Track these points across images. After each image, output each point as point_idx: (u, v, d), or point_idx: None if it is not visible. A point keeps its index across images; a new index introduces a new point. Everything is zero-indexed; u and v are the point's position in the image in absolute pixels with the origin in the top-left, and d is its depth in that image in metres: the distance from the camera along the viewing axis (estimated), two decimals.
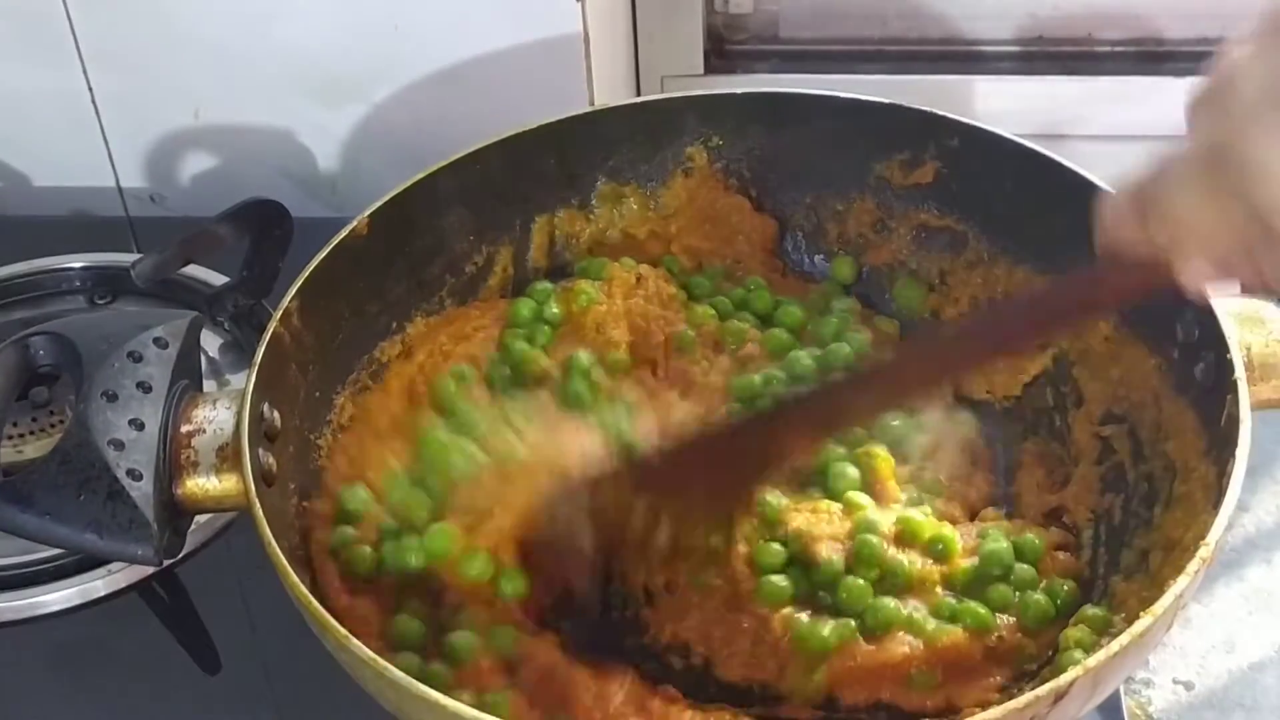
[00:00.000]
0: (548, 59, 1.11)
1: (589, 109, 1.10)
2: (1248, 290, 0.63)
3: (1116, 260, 0.65)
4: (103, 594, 0.93)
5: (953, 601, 0.79)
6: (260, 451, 0.76)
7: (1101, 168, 0.86)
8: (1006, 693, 0.75)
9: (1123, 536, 0.81)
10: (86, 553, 0.85)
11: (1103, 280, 0.68)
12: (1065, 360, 0.90)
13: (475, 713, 0.64)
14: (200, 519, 0.90)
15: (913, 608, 0.78)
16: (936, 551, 0.81)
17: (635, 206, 1.00)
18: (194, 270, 1.11)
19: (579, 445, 0.84)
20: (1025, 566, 0.80)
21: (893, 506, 0.84)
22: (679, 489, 0.79)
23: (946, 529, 0.82)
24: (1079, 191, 0.86)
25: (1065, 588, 0.80)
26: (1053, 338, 0.87)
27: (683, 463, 0.80)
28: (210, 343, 1.07)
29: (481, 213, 0.95)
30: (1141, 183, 0.62)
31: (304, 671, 0.87)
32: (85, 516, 0.72)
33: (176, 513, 0.76)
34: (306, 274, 0.84)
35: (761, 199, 1.00)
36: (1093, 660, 0.65)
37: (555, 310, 0.94)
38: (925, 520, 0.82)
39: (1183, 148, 0.59)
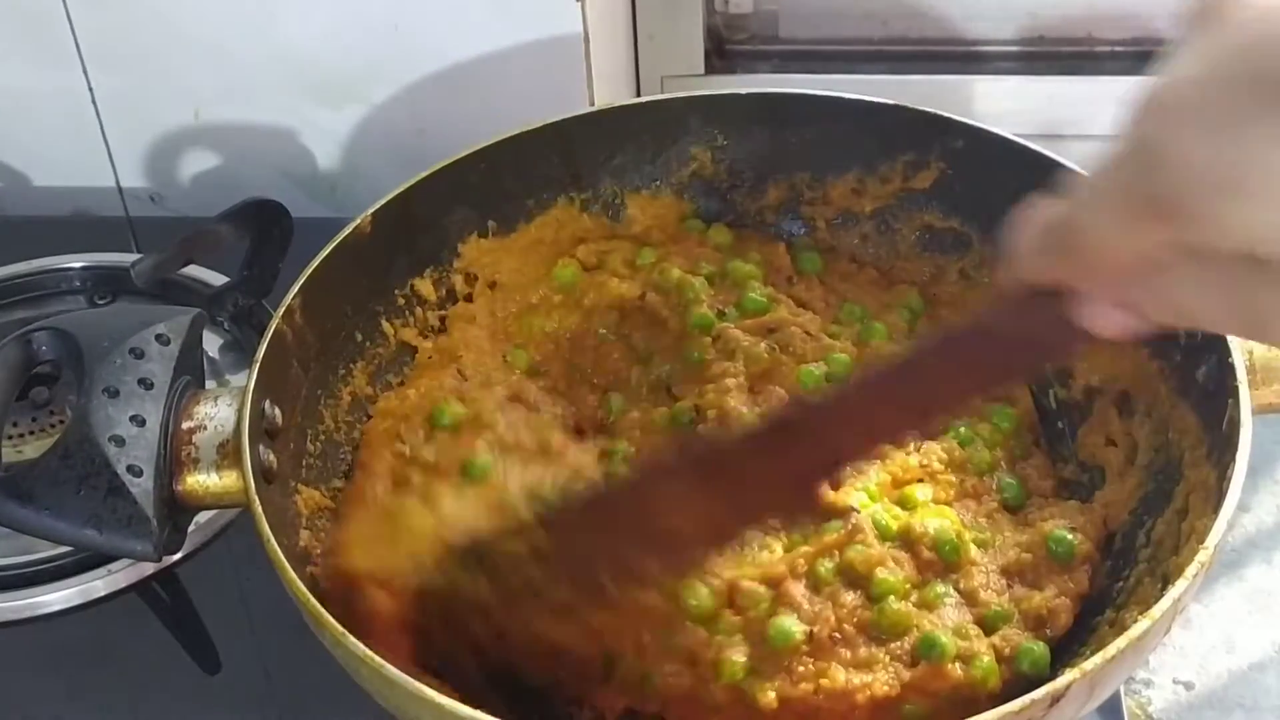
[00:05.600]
0: (548, 59, 1.12)
1: (595, 108, 1.10)
2: (1143, 329, 0.53)
3: (1013, 300, 0.56)
4: (103, 594, 0.93)
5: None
6: (261, 448, 0.76)
7: None
8: None
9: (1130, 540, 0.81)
10: (86, 548, 0.85)
11: (1000, 329, 0.59)
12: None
13: (471, 711, 0.64)
14: (200, 519, 0.91)
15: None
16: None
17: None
18: (194, 270, 1.11)
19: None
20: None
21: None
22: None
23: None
24: None
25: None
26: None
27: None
28: (210, 343, 1.07)
29: (485, 211, 0.95)
30: (1058, 208, 0.52)
31: (304, 671, 0.87)
32: (85, 512, 0.72)
33: (177, 509, 0.76)
34: (309, 271, 0.84)
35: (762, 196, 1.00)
36: (1089, 663, 0.64)
37: None
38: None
39: (1105, 163, 0.49)
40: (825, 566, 0.78)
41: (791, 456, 0.67)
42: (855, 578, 0.77)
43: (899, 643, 0.75)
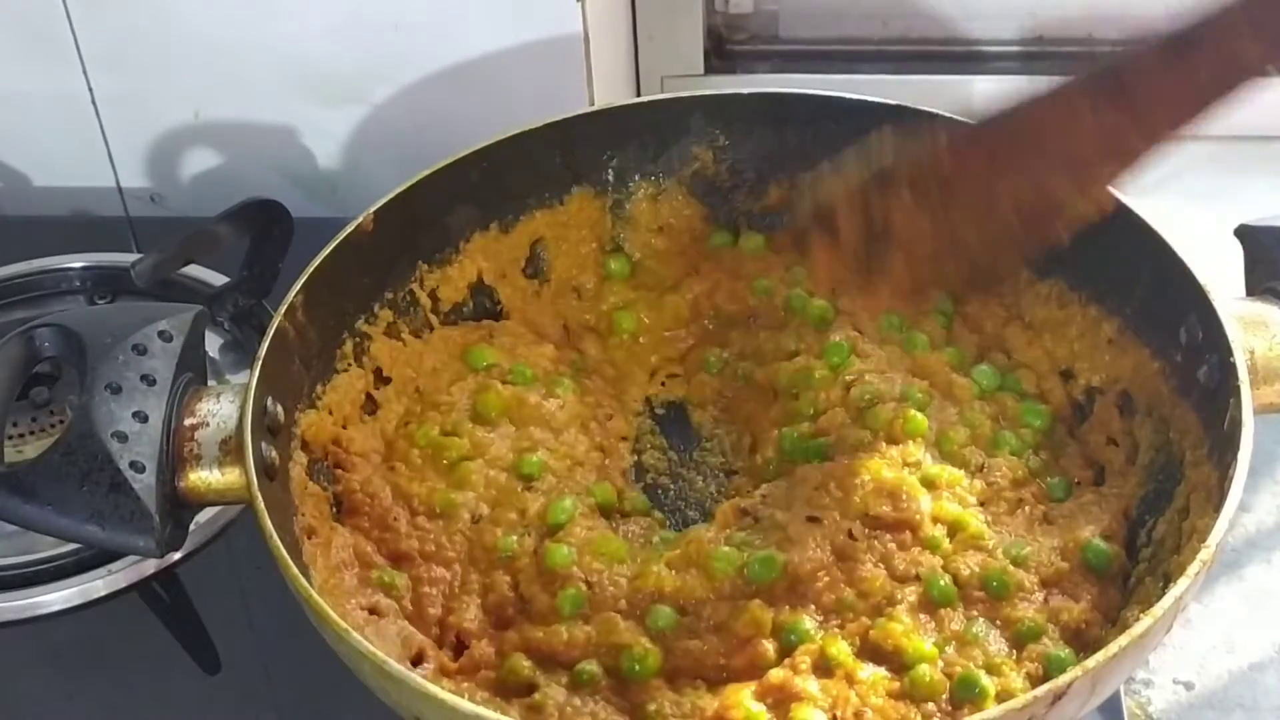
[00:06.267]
0: (548, 59, 1.12)
1: (597, 107, 1.10)
2: None
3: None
4: (103, 594, 0.92)
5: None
6: (263, 445, 0.76)
7: None
8: None
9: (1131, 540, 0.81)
10: (89, 544, 0.85)
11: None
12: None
13: (473, 707, 0.64)
14: (201, 519, 0.90)
15: None
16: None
17: None
18: (194, 270, 1.11)
19: None
20: None
21: None
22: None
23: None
24: None
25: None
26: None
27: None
28: (210, 343, 1.07)
29: (487, 209, 0.95)
30: None
31: (304, 671, 0.87)
32: (87, 508, 0.72)
33: (179, 505, 0.76)
34: (312, 269, 0.84)
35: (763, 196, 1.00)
36: (1091, 661, 0.64)
37: None
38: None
39: None
40: (838, 648, 0.74)
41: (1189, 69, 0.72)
42: (880, 653, 0.74)
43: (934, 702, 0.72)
